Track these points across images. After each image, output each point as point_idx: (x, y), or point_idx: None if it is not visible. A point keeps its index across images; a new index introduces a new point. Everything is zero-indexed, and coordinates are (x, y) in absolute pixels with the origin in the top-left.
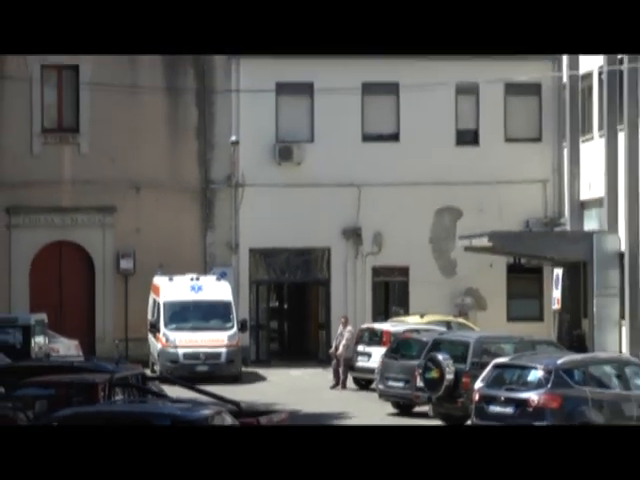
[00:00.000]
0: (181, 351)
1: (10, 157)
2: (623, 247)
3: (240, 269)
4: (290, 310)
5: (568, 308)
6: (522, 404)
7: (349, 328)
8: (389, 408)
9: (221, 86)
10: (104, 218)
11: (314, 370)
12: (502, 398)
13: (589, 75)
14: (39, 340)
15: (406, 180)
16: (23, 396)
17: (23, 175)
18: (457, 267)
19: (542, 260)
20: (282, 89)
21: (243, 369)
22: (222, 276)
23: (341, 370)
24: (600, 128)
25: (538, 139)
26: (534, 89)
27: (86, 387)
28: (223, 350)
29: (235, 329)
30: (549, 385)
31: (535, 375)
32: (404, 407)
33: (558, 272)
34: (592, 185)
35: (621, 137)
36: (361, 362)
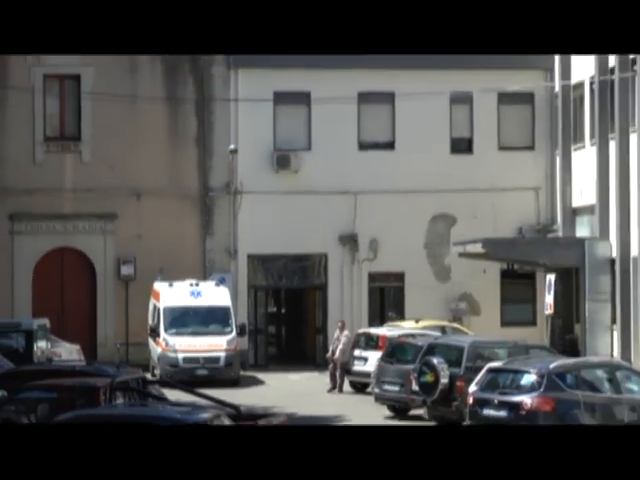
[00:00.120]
0: (181, 355)
1: (13, 165)
2: (614, 253)
3: (239, 275)
4: (288, 315)
5: (560, 313)
6: (515, 407)
7: (346, 333)
8: (385, 411)
9: (220, 95)
10: (105, 225)
11: (311, 374)
12: (496, 401)
13: (581, 85)
14: (42, 345)
15: (401, 188)
16: (26, 399)
17: (26, 182)
18: (451, 273)
19: (535, 266)
20: (280, 98)
21: (242, 373)
22: (221, 282)
23: (338, 374)
24: (592, 137)
25: (531, 147)
26: (527, 98)
27: (88, 391)
28: (222, 354)
29: (234, 334)
30: (542, 389)
31: (528, 379)
32: (400, 410)
33: (551, 278)
34: (584, 192)
35: (612, 145)
36: (357, 366)
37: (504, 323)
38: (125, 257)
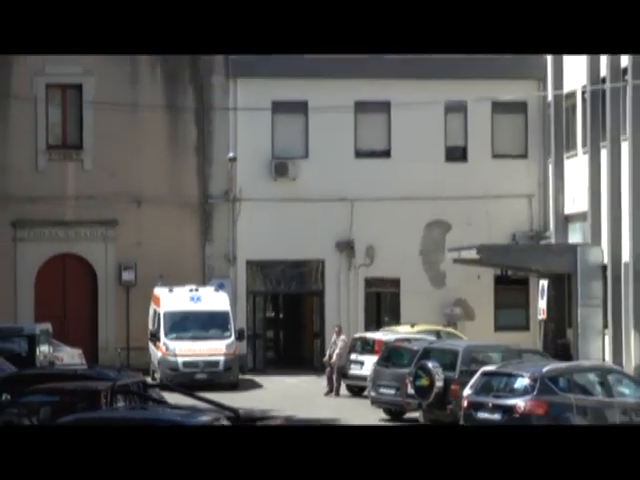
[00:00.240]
0: (181, 359)
1: (16, 173)
2: (606, 259)
3: (237, 280)
4: (285, 320)
5: (553, 318)
6: (509, 410)
7: (342, 337)
8: (381, 414)
9: (219, 104)
10: (106, 231)
11: (309, 377)
12: (490, 405)
13: (573, 94)
14: (44, 349)
15: (397, 195)
16: (28, 403)
17: (28, 190)
18: (446, 278)
19: (528, 272)
20: (278, 108)
21: (240, 377)
22: (220, 287)
23: (335, 377)
24: (584, 145)
25: (524, 155)
26: (520, 107)
27: (89, 394)
28: (221, 358)
29: (233, 338)
30: (535, 392)
31: (521, 382)
32: (395, 413)
33: (543, 283)
34: (576, 200)
35: (604, 154)
36: (354, 370)
37: (498, 328)
38: (126, 263)
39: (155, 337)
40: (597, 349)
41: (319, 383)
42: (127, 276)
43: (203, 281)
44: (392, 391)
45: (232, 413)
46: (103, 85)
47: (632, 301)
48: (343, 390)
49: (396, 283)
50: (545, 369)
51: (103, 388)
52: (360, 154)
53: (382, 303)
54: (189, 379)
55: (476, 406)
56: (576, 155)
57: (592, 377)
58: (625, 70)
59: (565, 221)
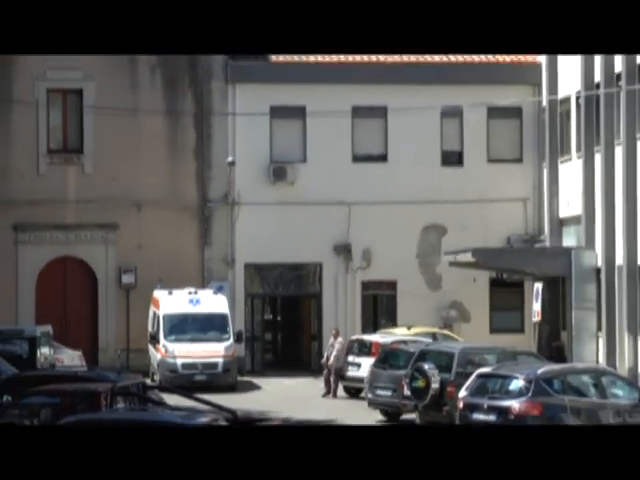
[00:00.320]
0: (180, 361)
1: (17, 176)
2: (600, 262)
3: (236, 283)
4: (283, 322)
5: (548, 320)
6: (504, 412)
7: (340, 339)
8: (377, 415)
9: (218, 109)
10: (107, 235)
11: (306, 379)
12: (485, 406)
13: (567, 100)
14: (44, 351)
15: (394, 199)
16: (29, 404)
17: (29, 194)
18: (442, 281)
19: (523, 275)
20: (276, 112)
21: (239, 378)
22: (219, 290)
23: (332, 379)
24: (578, 150)
25: (519, 160)
26: (515, 113)
27: (89, 395)
28: (220, 360)
29: (231, 340)
30: (530, 394)
31: (516, 384)
32: (392, 415)
33: (538, 286)
34: (570, 203)
35: (597, 158)
36: (351, 372)
37: (493, 330)
38: (126, 266)
39: (155, 339)
40: (591, 351)
41: (317, 385)
42: (127, 279)
43: (202, 284)
44: (389, 393)
45: (230, 414)
46: (103, 90)
47: (625, 304)
48: (340, 392)
49: (393, 286)
50: (540, 371)
51: (103, 390)
52: (357, 158)
53: (379, 305)
54: (188, 381)
55: (472, 407)
56: (570, 159)
57: (586, 379)
58: (619, 76)
59: (559, 225)
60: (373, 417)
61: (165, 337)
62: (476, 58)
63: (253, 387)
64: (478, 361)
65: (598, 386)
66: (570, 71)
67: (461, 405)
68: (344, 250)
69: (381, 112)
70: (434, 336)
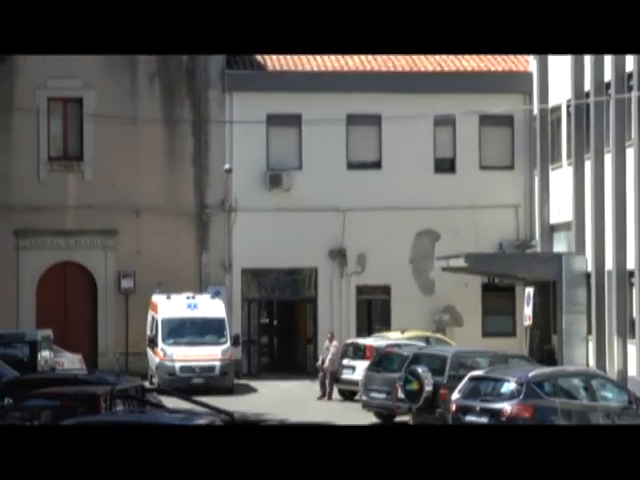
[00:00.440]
0: (178, 364)
1: (18, 183)
2: (590, 267)
3: (233, 288)
4: (280, 326)
5: (539, 324)
6: (496, 414)
7: (335, 343)
8: (372, 418)
9: (215, 117)
10: (106, 240)
11: (302, 382)
12: (477, 408)
13: (558, 108)
14: (45, 354)
15: (388, 205)
16: (30, 407)
17: (30, 200)
18: (435, 286)
19: (514, 279)
20: (272, 120)
21: (236, 381)
22: (216, 294)
23: (327, 382)
24: (568, 157)
25: (511, 167)
26: (507, 121)
27: (89, 398)
28: (217, 363)
29: (228, 344)
30: (521, 396)
31: (508, 387)
32: (386, 417)
33: (529, 291)
34: (561, 210)
35: (588, 165)
36: (346, 375)
37: (485, 334)
38: (125, 271)
39: (153, 343)
40: (581, 355)
41: (312, 387)
42: (126, 284)
43: (200, 288)
44: (383, 395)
45: (228, 416)
46: (103, 98)
47: (615, 308)
48: (335, 394)
49: (387, 290)
50: (531, 374)
51: (102, 392)
52: (352, 165)
53: (373, 310)
54: (186, 383)
55: (464, 410)
56: (561, 167)
57: (576, 382)
58: (608, 85)
59: (550, 231)
60: (367, 419)
61: (163, 341)
62: (468, 67)
63: (250, 390)
64: (470, 364)
65: (588, 389)
66: (560, 80)
67: (454, 407)
68: (339, 255)
69: (375, 120)
70: (427, 340)
